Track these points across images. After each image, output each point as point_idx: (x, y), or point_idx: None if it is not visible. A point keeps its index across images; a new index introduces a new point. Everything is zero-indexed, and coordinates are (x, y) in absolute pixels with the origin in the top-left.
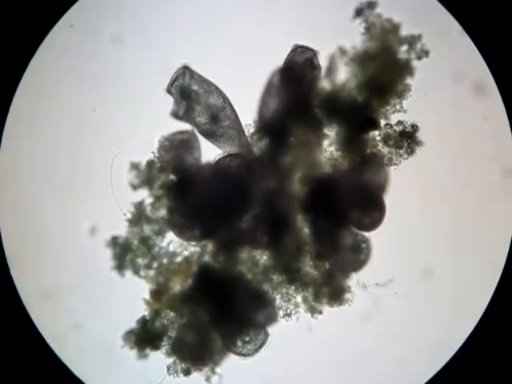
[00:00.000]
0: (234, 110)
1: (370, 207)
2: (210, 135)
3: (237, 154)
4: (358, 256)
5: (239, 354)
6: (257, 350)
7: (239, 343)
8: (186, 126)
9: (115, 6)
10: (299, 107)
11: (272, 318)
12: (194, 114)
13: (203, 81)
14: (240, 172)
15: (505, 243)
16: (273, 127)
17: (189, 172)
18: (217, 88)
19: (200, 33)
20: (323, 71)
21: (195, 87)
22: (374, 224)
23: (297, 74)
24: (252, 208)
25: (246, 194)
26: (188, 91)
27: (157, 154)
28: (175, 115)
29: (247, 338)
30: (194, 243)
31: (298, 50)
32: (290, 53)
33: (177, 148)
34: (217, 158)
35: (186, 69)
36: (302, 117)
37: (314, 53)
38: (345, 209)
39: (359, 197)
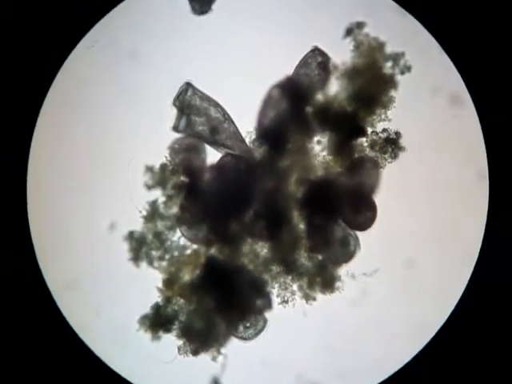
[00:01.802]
0: (233, 123)
1: (363, 207)
2: (212, 143)
3: (237, 155)
4: (347, 249)
5: (241, 337)
6: (257, 335)
7: (241, 328)
8: None
9: (132, 25)
10: (300, 110)
11: (269, 306)
12: (195, 126)
13: (205, 97)
14: (241, 173)
15: (478, 236)
16: (271, 137)
17: (196, 173)
18: (217, 103)
19: (210, 50)
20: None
21: (197, 102)
22: (367, 223)
23: (307, 77)
24: (253, 206)
25: (247, 194)
26: (190, 105)
27: (169, 158)
28: (176, 129)
29: (248, 324)
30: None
31: (316, 51)
32: (308, 53)
33: (185, 151)
34: (218, 160)
35: (188, 85)
36: (301, 121)
37: (328, 58)
38: (337, 208)
39: (352, 197)
